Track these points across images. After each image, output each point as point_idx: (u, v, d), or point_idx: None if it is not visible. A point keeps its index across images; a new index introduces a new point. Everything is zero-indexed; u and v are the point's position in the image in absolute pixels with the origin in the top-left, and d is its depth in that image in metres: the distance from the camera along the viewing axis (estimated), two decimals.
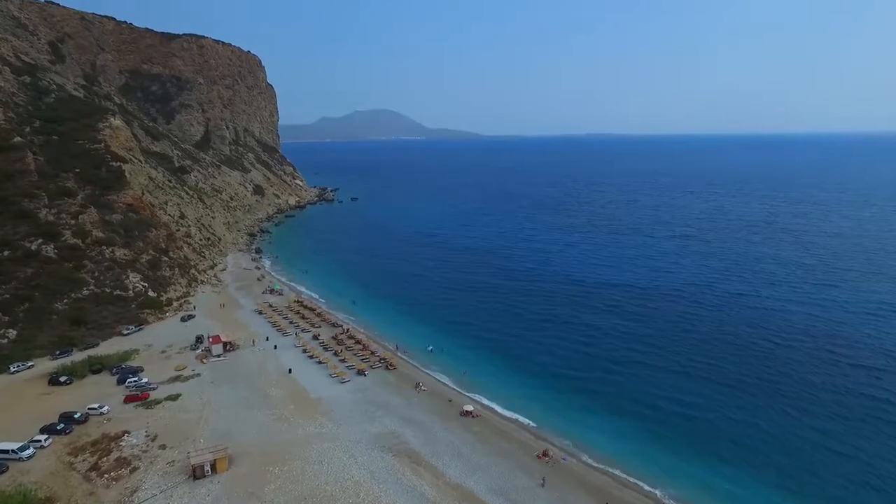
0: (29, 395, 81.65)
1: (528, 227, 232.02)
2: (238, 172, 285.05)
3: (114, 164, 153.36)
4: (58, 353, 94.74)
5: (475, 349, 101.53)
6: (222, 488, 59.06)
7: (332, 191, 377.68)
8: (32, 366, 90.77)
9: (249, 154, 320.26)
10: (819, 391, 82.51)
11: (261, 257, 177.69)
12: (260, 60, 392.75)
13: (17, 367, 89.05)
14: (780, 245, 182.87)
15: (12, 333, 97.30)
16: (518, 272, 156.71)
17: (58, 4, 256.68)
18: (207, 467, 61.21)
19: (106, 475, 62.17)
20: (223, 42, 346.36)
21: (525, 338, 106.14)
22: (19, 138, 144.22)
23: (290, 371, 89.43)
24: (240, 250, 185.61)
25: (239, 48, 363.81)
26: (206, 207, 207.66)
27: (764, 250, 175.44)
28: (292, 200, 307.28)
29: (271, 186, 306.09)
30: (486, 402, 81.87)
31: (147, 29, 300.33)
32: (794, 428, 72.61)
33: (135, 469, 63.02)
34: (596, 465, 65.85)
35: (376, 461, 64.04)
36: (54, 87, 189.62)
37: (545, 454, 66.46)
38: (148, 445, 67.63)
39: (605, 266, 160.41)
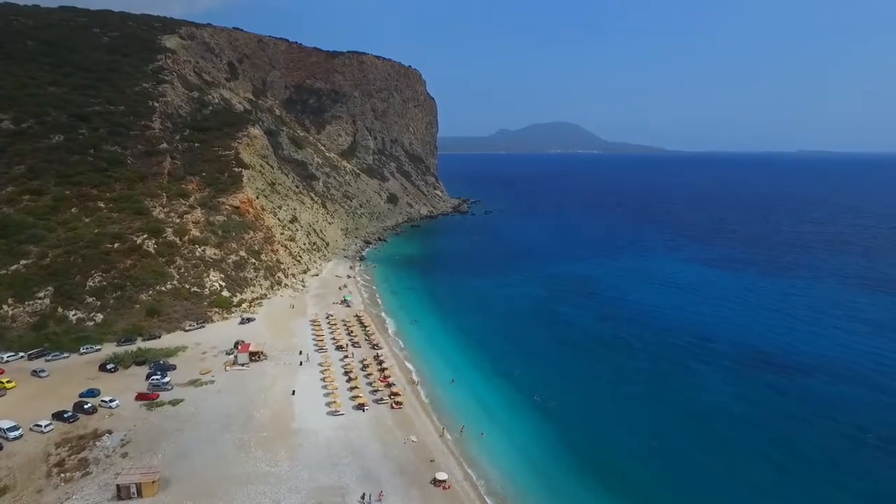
0: (78, 378, 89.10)
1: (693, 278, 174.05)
2: (376, 181, 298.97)
3: (236, 169, 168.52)
4: (122, 340, 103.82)
5: (532, 422, 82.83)
6: None
7: (469, 203, 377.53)
8: (100, 349, 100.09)
9: (391, 163, 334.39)
10: None
11: (359, 265, 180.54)
12: (420, 74, 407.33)
13: (87, 349, 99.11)
14: None
15: (99, 317, 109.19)
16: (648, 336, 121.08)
17: (242, 30, 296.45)
18: (133, 489, 58.86)
19: (62, 474, 63.53)
20: (384, 58, 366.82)
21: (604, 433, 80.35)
22: (165, 144, 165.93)
23: (293, 393, 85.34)
24: (345, 257, 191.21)
25: (399, 63, 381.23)
26: (328, 213, 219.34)
27: None
28: (424, 210, 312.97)
29: (406, 195, 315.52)
30: (474, 473, 68.14)
31: (315, 48, 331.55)
32: None
33: (86, 474, 63.45)
34: None
35: None
36: (216, 100, 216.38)
37: None
38: (114, 451, 68.20)
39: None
